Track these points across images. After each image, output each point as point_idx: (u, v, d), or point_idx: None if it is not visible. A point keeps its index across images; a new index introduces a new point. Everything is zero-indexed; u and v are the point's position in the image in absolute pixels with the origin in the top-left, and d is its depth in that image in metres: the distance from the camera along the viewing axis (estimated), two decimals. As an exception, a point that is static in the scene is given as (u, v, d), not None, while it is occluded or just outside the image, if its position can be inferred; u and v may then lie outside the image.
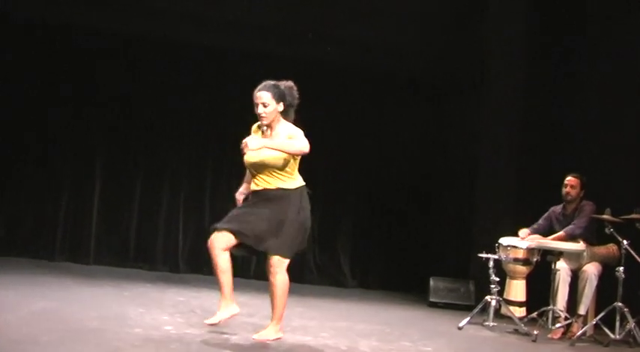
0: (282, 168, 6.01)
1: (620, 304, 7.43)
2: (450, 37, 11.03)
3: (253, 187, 6.12)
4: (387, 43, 10.93)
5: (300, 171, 6.25)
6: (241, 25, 10.46)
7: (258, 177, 6.07)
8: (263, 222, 5.96)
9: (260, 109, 5.99)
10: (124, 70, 10.59)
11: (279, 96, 6.05)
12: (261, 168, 6.02)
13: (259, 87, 6.05)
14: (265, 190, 6.06)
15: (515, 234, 8.34)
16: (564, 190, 8.30)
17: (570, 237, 8.09)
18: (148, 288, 8.65)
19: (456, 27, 11.02)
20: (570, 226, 8.15)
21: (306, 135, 6.06)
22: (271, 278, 6.05)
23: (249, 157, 6.00)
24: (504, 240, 8.26)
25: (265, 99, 5.99)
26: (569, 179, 8.31)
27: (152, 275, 9.92)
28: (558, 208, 8.42)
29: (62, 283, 8.34)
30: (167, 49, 10.70)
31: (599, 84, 9.80)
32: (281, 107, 6.06)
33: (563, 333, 7.87)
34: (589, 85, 9.96)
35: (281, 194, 6.05)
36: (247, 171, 6.25)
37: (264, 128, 6.10)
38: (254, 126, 6.23)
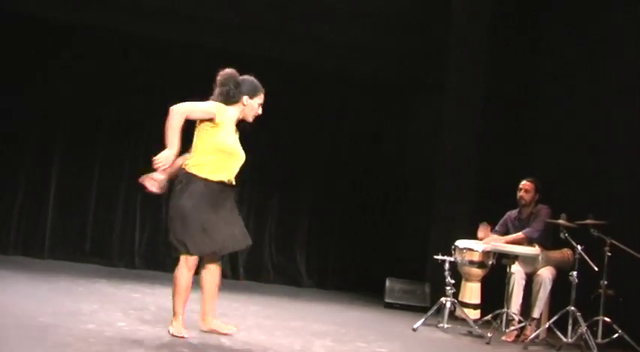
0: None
1: (573, 308, 7.51)
2: (414, 39, 11.09)
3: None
4: (350, 42, 10.95)
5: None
6: (202, 21, 10.43)
7: None
8: None
9: (260, 110, 6.11)
10: (82, 62, 10.49)
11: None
12: None
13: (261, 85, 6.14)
14: None
15: (472, 237, 8.40)
16: (518, 194, 8.37)
17: (529, 240, 8.16)
18: (103, 284, 8.58)
19: (419, 29, 11.09)
20: (529, 229, 8.21)
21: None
22: None
23: None
24: (460, 243, 8.32)
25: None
26: (524, 183, 8.38)
27: (107, 271, 9.84)
28: (514, 213, 8.49)
29: (15, 277, 8.23)
30: (130, 44, 10.66)
31: (556, 88, 9.90)
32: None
33: (517, 336, 7.93)
34: (547, 89, 10.05)
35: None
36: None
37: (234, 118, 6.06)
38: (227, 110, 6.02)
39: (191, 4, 10.34)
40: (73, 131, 10.48)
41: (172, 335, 5.77)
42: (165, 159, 5.66)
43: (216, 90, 6.04)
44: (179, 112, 5.76)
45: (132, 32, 10.45)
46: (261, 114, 6.12)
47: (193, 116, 5.85)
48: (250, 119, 6.09)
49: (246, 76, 6.14)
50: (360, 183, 11.56)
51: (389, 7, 10.97)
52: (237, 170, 6.01)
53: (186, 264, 5.84)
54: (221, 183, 5.90)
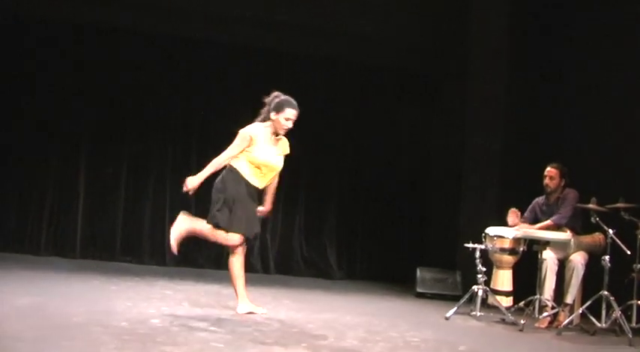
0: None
1: (606, 293, 7.45)
2: (437, 30, 11.08)
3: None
4: (373, 36, 10.94)
5: (285, 163, 6.68)
6: (230, 17, 10.46)
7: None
8: None
9: (290, 124, 6.83)
10: (110, 63, 10.56)
11: None
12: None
13: (295, 104, 6.86)
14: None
15: (502, 224, 8.36)
16: (544, 181, 8.32)
17: (557, 226, 8.11)
18: (135, 282, 8.63)
19: (441, 21, 11.06)
20: (557, 215, 8.16)
21: (292, 128, 6.47)
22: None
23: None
24: (491, 230, 8.29)
25: (295, 119, 6.85)
26: (549, 170, 8.31)
27: (139, 269, 9.91)
28: (541, 199, 8.43)
29: (48, 278, 8.31)
30: (156, 44, 10.75)
31: (582, 74, 9.82)
32: None
33: (550, 322, 7.89)
34: (573, 74, 9.98)
35: None
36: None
37: (268, 133, 6.84)
38: (262, 126, 6.86)
39: (217, 2, 10.39)
40: (100, 131, 10.55)
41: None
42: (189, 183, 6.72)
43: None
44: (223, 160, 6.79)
45: (157, 31, 10.54)
46: (289, 128, 6.84)
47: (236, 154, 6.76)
48: (281, 132, 6.86)
49: (281, 96, 6.88)
50: (387, 173, 11.54)
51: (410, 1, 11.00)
52: (271, 176, 6.91)
53: None
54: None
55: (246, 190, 6.75)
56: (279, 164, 6.88)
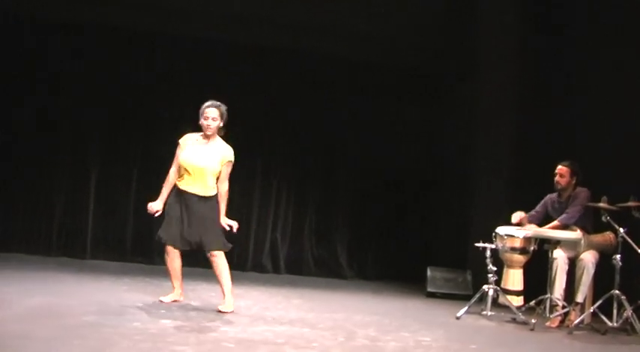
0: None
1: (617, 292, 7.43)
2: (445, 29, 11.05)
3: None
4: (381, 36, 10.92)
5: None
6: (230, 17, 10.46)
7: None
8: None
9: (210, 122, 7.12)
10: (124, 65, 10.57)
11: (223, 116, 7.18)
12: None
13: (209, 103, 7.17)
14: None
15: (511, 224, 8.34)
16: (555, 179, 8.29)
17: (564, 226, 8.09)
18: (146, 282, 8.64)
19: (450, 20, 11.04)
20: (564, 215, 8.13)
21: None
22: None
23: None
24: (501, 229, 8.27)
25: (215, 115, 7.12)
26: (559, 168, 8.29)
27: (149, 269, 9.90)
28: (554, 196, 8.41)
29: (59, 278, 8.33)
30: (164, 44, 10.76)
31: (591, 73, 9.79)
32: (221, 125, 7.18)
33: (561, 321, 7.87)
34: (582, 73, 9.95)
35: None
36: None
37: (200, 138, 7.19)
38: (193, 134, 7.26)
39: (217, 1, 10.39)
40: (110, 132, 10.56)
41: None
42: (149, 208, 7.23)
43: None
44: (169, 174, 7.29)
45: (157, 31, 10.53)
46: (210, 126, 7.14)
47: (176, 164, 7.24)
48: (208, 132, 7.15)
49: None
50: (397, 172, 11.51)
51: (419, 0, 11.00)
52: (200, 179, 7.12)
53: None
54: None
55: (177, 198, 7.20)
56: (201, 164, 7.06)
